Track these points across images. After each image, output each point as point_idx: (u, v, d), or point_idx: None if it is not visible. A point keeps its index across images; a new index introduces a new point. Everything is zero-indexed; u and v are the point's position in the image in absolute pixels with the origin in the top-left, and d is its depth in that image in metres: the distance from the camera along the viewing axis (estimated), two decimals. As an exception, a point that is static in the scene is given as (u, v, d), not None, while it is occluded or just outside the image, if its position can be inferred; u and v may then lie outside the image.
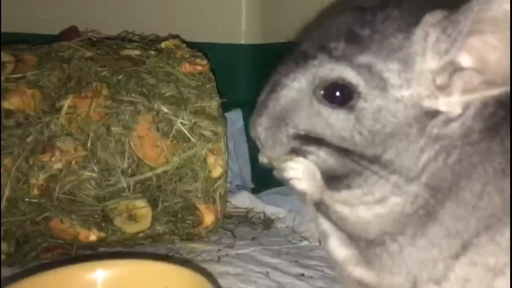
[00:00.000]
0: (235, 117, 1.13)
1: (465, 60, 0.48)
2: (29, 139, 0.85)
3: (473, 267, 0.49)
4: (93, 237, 0.87)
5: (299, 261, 0.88)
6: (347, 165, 0.50)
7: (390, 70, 0.48)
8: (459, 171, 0.49)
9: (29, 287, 0.61)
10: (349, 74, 0.48)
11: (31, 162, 0.85)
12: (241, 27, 1.22)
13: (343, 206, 0.52)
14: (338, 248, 0.55)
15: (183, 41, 1.04)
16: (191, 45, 1.03)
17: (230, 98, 1.01)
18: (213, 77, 0.95)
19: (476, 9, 0.45)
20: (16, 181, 0.85)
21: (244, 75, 1.24)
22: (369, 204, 0.51)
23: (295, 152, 0.51)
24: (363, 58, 0.48)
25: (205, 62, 0.95)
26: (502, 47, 0.46)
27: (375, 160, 0.49)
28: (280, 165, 0.53)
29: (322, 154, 0.50)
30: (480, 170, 0.49)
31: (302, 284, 0.81)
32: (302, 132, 0.50)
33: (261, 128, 0.51)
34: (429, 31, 0.48)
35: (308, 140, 0.50)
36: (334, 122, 0.49)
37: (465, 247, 0.49)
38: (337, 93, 0.49)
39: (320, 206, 0.54)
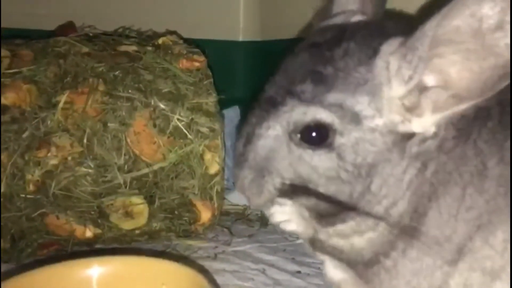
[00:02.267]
0: (233, 114, 1.13)
1: (429, 79, 0.49)
2: (25, 135, 0.85)
3: (472, 272, 0.49)
4: (89, 233, 0.87)
5: (296, 258, 0.88)
6: (339, 205, 0.50)
7: (360, 102, 0.49)
8: (435, 181, 0.50)
9: (25, 283, 0.60)
10: (323, 115, 0.49)
11: (26, 158, 0.84)
12: (239, 24, 1.22)
13: (338, 239, 0.53)
14: (334, 272, 0.56)
15: (181, 38, 1.03)
16: (189, 42, 1.02)
17: (228, 95, 1.01)
18: (210, 73, 0.95)
19: (430, 34, 0.46)
20: (11, 177, 0.84)
21: (242, 72, 1.24)
22: (362, 232, 0.52)
23: (285, 195, 0.52)
24: (332, 96, 0.49)
25: (202, 58, 0.95)
26: (460, 60, 0.47)
27: (365, 191, 0.50)
28: (268, 210, 0.54)
29: (312, 201, 0.51)
30: (455, 176, 0.49)
31: (299, 281, 0.80)
32: (287, 181, 0.51)
33: (245, 181, 0.52)
34: (389, 60, 0.49)
35: (296, 190, 0.51)
36: (318, 164, 0.50)
37: (461, 252, 0.49)
38: (313, 134, 0.50)
39: (314, 243, 0.55)
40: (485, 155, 0.49)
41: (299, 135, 0.50)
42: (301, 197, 0.51)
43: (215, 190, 0.91)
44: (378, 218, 0.50)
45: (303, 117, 0.49)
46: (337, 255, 0.54)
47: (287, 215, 0.53)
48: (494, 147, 0.49)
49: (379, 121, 0.49)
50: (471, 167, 0.49)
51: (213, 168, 0.91)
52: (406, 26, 0.48)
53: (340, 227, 0.52)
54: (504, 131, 0.49)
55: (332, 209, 0.51)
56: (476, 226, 0.49)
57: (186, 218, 0.92)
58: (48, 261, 0.64)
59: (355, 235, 0.52)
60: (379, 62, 0.49)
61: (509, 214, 0.48)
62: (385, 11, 0.59)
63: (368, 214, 0.50)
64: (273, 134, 0.51)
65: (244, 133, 0.53)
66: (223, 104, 0.98)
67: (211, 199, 0.91)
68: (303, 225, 0.54)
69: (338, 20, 0.55)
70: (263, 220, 1.01)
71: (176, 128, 0.89)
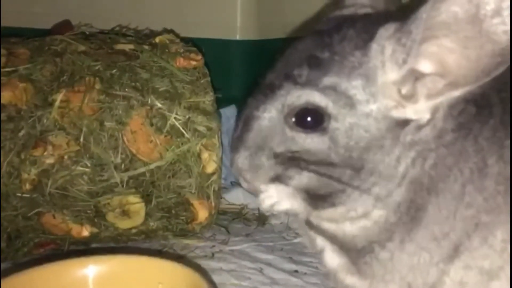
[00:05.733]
0: (230, 113, 1.13)
1: (425, 66, 0.49)
2: (21, 134, 0.84)
3: (468, 270, 0.49)
4: (85, 232, 0.87)
5: (293, 257, 0.88)
6: (330, 185, 0.50)
7: (354, 87, 0.49)
8: (435, 175, 0.49)
9: (20, 283, 0.60)
10: (316, 98, 0.49)
11: (23, 157, 0.84)
12: (236, 23, 1.21)
13: (330, 223, 0.53)
14: (332, 257, 0.55)
15: (178, 36, 1.03)
16: (186, 41, 1.02)
17: (225, 94, 1.01)
18: (207, 72, 0.95)
19: (424, 17, 0.46)
20: (7, 176, 0.84)
21: (239, 71, 1.23)
22: (353, 219, 0.51)
23: (278, 179, 0.52)
24: (327, 80, 0.49)
25: (199, 56, 0.95)
26: (458, 48, 0.47)
27: (355, 176, 0.50)
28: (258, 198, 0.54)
29: (304, 176, 0.51)
30: (456, 172, 0.49)
31: (296, 280, 0.80)
32: (281, 154, 0.51)
33: (241, 160, 0.52)
34: (384, 44, 0.49)
35: (289, 163, 0.51)
36: (310, 146, 0.50)
37: (457, 250, 0.49)
38: (308, 118, 0.50)
39: (310, 223, 0.55)
40: (485, 153, 0.49)
41: (294, 119, 0.50)
42: (294, 175, 0.51)
43: (212, 189, 0.91)
44: (375, 198, 0.50)
45: (297, 100, 0.49)
46: (331, 239, 0.54)
47: (275, 197, 0.53)
48: (494, 145, 0.49)
49: (373, 106, 0.49)
50: (471, 164, 0.49)
51: (210, 167, 0.91)
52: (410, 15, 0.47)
53: (330, 211, 0.51)
54: (505, 130, 0.49)
55: (324, 188, 0.50)
56: (474, 224, 0.49)
57: (183, 217, 0.92)
58: (44, 260, 0.63)
59: (346, 221, 0.52)
60: (375, 46, 0.49)
61: (509, 214, 0.48)
62: (396, 8, 0.59)
63: (365, 192, 0.50)
64: (268, 116, 0.51)
65: (243, 116, 0.53)
66: (220, 103, 0.98)
67: (208, 198, 0.91)
68: (295, 204, 0.53)
69: (347, 11, 0.56)
70: (260, 219, 1.01)
71: (173, 127, 0.89)
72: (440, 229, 0.49)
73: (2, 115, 0.84)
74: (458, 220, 0.49)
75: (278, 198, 0.53)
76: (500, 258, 0.48)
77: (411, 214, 0.50)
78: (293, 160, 0.50)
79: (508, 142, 0.49)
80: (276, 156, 0.51)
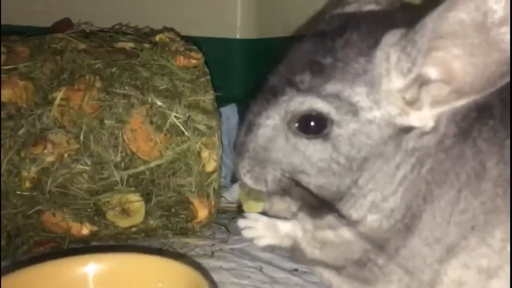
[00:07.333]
0: (230, 112, 1.13)
1: (431, 73, 0.49)
2: (20, 132, 0.84)
3: (466, 270, 0.50)
4: (85, 231, 0.87)
5: (293, 256, 0.88)
6: (326, 197, 0.51)
7: (358, 94, 0.49)
8: (431, 180, 0.50)
9: (20, 281, 0.60)
10: (319, 105, 0.49)
11: (22, 155, 0.84)
12: (237, 22, 1.21)
13: (328, 231, 0.53)
14: (328, 273, 0.57)
15: (178, 35, 1.03)
16: (186, 39, 1.02)
17: (225, 93, 1.01)
18: (207, 70, 0.95)
19: (430, 26, 0.46)
20: (7, 174, 0.84)
21: (239, 70, 1.24)
22: (350, 224, 0.52)
23: (281, 191, 0.53)
24: (330, 87, 0.49)
25: (199, 55, 0.95)
26: (464, 55, 0.47)
27: (352, 184, 0.50)
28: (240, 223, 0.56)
29: (304, 194, 0.51)
30: (452, 177, 0.49)
31: (296, 279, 0.80)
32: (286, 175, 0.51)
33: (245, 170, 0.53)
34: (389, 51, 0.49)
35: (291, 183, 0.51)
36: (312, 153, 0.50)
37: (452, 251, 0.49)
38: (312, 123, 0.50)
39: (295, 253, 0.56)
40: (484, 155, 0.49)
41: (297, 124, 0.50)
42: (294, 191, 0.51)
43: (212, 187, 0.91)
44: (352, 223, 0.50)
45: (300, 107, 0.50)
46: (326, 253, 0.55)
47: (260, 231, 0.54)
48: (494, 146, 0.49)
49: (376, 113, 0.49)
50: (468, 168, 0.49)
51: (210, 166, 0.91)
52: (417, 18, 0.47)
53: (328, 218, 0.52)
54: (505, 130, 0.49)
55: (323, 201, 0.51)
56: (470, 227, 0.49)
57: (183, 216, 0.92)
58: (44, 258, 0.63)
59: (343, 226, 0.52)
60: (379, 53, 0.49)
61: (508, 214, 0.48)
62: (401, 3, 0.59)
63: (343, 217, 0.50)
64: (272, 124, 0.51)
65: (246, 121, 0.53)
66: (220, 101, 0.98)
67: (208, 196, 0.91)
68: (276, 237, 0.54)
69: (350, 8, 0.55)
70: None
71: (173, 125, 0.89)
72: (432, 234, 0.50)
73: (2, 113, 0.84)
74: (452, 225, 0.49)
75: (262, 233, 0.54)
76: (499, 257, 0.49)
77: (405, 222, 0.50)
78: (294, 185, 0.51)
79: (509, 141, 0.49)
80: (282, 174, 0.51)
